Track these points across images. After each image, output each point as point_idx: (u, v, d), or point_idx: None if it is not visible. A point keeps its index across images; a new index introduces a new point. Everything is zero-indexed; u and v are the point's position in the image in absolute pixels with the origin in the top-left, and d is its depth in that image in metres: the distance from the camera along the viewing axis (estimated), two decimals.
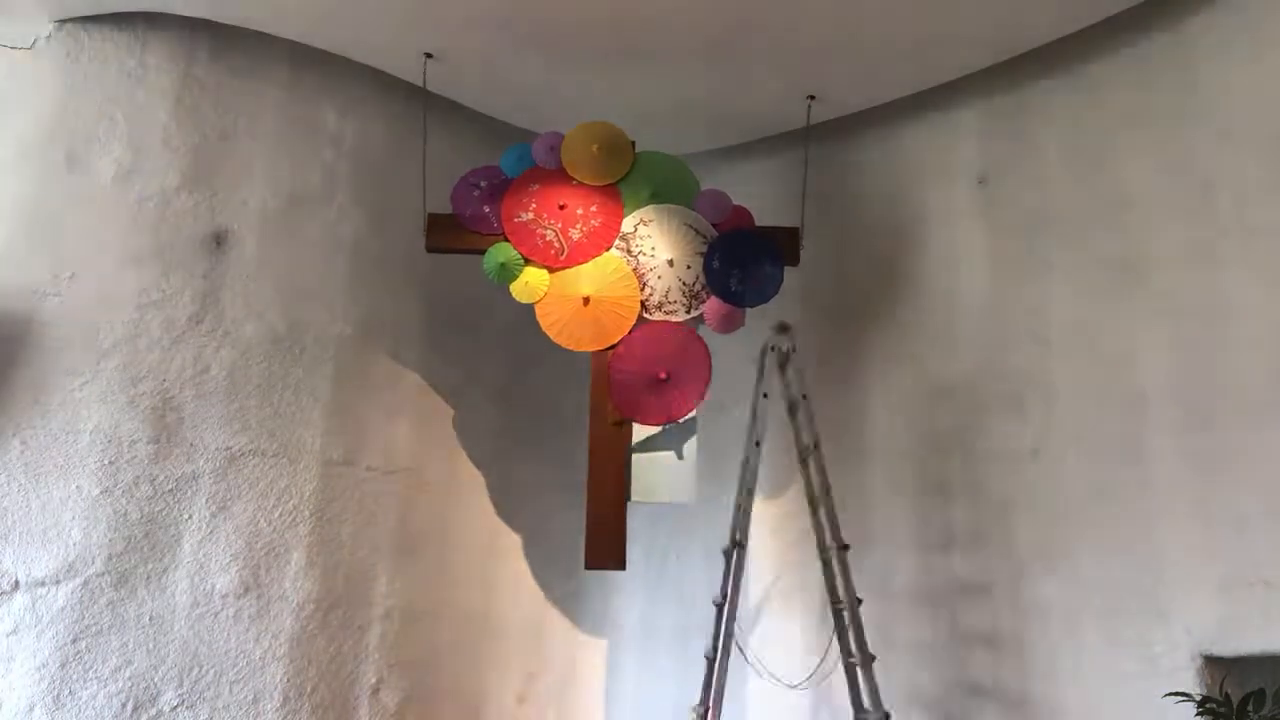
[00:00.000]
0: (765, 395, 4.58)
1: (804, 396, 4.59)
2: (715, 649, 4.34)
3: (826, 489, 4.48)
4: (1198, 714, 3.56)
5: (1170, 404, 4.22)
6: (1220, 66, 4.34)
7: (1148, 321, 4.37)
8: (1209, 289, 4.21)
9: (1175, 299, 4.30)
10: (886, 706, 4.17)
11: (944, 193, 5.19)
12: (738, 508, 4.52)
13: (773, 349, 4.67)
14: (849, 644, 4.32)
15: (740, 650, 4.34)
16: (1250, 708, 3.43)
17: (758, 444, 4.54)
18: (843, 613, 4.37)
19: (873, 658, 4.24)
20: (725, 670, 4.20)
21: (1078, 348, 4.56)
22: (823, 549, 4.49)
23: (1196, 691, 3.75)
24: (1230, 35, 4.33)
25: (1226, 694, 3.54)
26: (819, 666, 4.50)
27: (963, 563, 4.66)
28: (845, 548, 4.40)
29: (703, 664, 4.49)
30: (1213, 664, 3.93)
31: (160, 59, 4.92)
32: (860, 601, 4.31)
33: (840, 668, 4.37)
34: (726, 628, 4.29)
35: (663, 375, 4.66)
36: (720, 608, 4.40)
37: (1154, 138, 4.52)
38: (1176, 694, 3.67)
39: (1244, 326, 4.07)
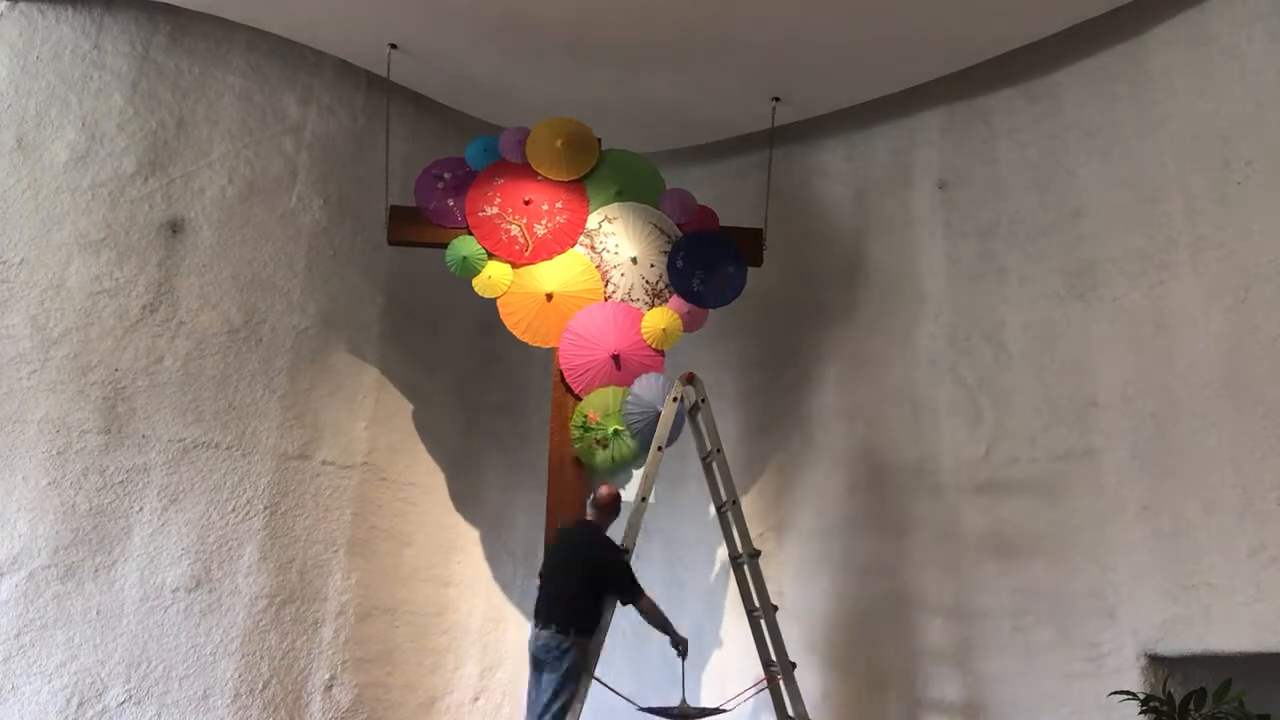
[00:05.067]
0: (661, 449, 4.37)
1: (718, 450, 4.44)
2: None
3: (734, 498, 4.41)
4: (1141, 713, 3.64)
5: (1121, 410, 4.31)
6: (1175, 79, 4.44)
7: (1100, 328, 4.46)
8: (1159, 298, 4.31)
9: (1126, 307, 4.40)
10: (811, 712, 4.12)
11: (904, 196, 5.25)
12: (631, 516, 4.34)
13: (677, 399, 4.42)
14: (768, 653, 4.28)
15: (597, 680, 4.06)
16: (1191, 706, 3.52)
17: (660, 449, 4.39)
18: (759, 621, 4.32)
19: (793, 665, 4.22)
20: (587, 688, 4.05)
21: (1031, 352, 4.65)
22: (734, 556, 4.45)
23: (1141, 691, 3.84)
24: (1186, 49, 4.43)
25: (1169, 693, 3.63)
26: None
27: (917, 561, 4.72)
28: (756, 554, 4.35)
29: (659, 662, 4.49)
30: (1157, 663, 4.02)
31: (117, 42, 4.82)
32: (776, 609, 4.27)
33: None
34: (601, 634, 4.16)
35: (613, 352, 4.64)
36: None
37: (1109, 148, 4.61)
38: (1122, 693, 3.76)
39: (1192, 335, 4.17)
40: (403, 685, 4.93)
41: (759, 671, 4.54)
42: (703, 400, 4.47)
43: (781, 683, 4.21)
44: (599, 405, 4.56)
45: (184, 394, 4.60)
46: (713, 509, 5.39)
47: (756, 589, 4.30)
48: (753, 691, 4.28)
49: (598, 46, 4.84)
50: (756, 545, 4.66)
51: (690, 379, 4.44)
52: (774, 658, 4.24)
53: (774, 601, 4.33)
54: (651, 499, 4.44)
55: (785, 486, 5.22)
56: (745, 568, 4.36)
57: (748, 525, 5.23)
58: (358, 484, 4.96)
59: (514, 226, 4.80)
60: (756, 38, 4.70)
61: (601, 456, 4.55)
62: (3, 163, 4.53)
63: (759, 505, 5.23)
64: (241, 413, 4.71)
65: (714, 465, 4.47)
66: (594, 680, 4.04)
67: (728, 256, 4.87)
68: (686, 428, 4.64)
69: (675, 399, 4.42)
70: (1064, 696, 4.18)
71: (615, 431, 4.51)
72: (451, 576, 5.24)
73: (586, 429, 4.54)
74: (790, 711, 4.18)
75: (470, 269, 4.75)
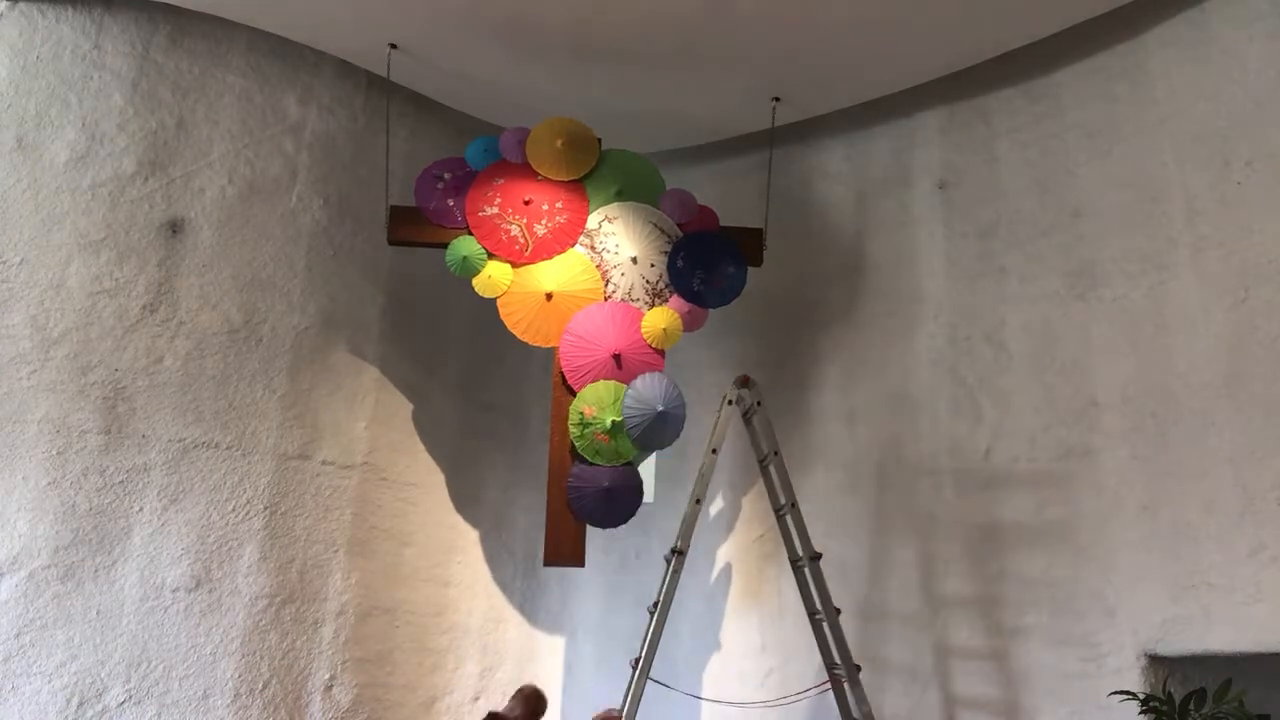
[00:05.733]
0: (715, 451, 4.44)
1: (775, 453, 4.48)
2: (641, 654, 4.28)
3: (793, 500, 4.45)
4: (1141, 713, 3.64)
5: (1121, 410, 4.31)
6: (1176, 79, 4.44)
7: (1100, 328, 4.46)
8: (1159, 298, 4.31)
9: (1126, 307, 4.40)
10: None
11: (904, 196, 5.25)
12: (685, 516, 4.47)
13: (731, 402, 4.50)
14: (831, 656, 4.31)
15: (655, 680, 4.18)
16: (1191, 706, 3.52)
17: (714, 451, 4.48)
18: (822, 624, 4.34)
19: (858, 668, 4.25)
20: (646, 677, 4.16)
21: (1031, 352, 4.65)
22: (794, 559, 4.48)
23: (1141, 690, 3.84)
24: (1186, 49, 4.43)
25: (1169, 693, 3.63)
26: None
27: (916, 561, 4.72)
28: (817, 557, 4.37)
29: (658, 662, 4.49)
30: (1156, 663, 4.02)
31: (117, 42, 4.82)
32: (839, 611, 4.29)
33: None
34: (654, 635, 4.22)
35: (614, 352, 4.64)
36: (652, 614, 4.35)
37: (1109, 148, 4.61)
38: (1122, 693, 3.76)
39: (1193, 335, 4.17)
40: (403, 685, 4.93)
41: (760, 672, 4.55)
42: (758, 403, 4.48)
43: (846, 685, 4.23)
44: (593, 400, 4.57)
45: (184, 394, 4.60)
46: (714, 509, 5.41)
47: (819, 592, 4.31)
48: (815, 692, 4.28)
49: (598, 46, 4.83)
50: (756, 545, 4.66)
51: (746, 382, 4.45)
52: (838, 660, 4.26)
53: (775, 600, 4.34)
54: (650, 499, 4.45)
55: None
56: (806, 570, 4.36)
57: (748, 525, 5.24)
58: (358, 484, 4.97)
59: (514, 226, 4.80)
60: (756, 38, 4.70)
61: (605, 451, 4.55)
62: (3, 163, 4.53)
63: (759, 505, 5.23)
64: (241, 413, 4.71)
65: (771, 468, 4.50)
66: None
67: (728, 257, 4.87)
68: (686, 428, 4.65)
69: (730, 401, 4.43)
70: (1064, 696, 4.18)
71: (614, 423, 4.51)
72: (451, 576, 5.24)
73: (585, 424, 4.54)
74: (855, 713, 4.21)
75: (470, 269, 4.75)
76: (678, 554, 4.28)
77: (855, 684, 4.20)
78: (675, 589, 4.30)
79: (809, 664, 4.84)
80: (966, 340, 4.86)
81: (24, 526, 4.20)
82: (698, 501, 4.38)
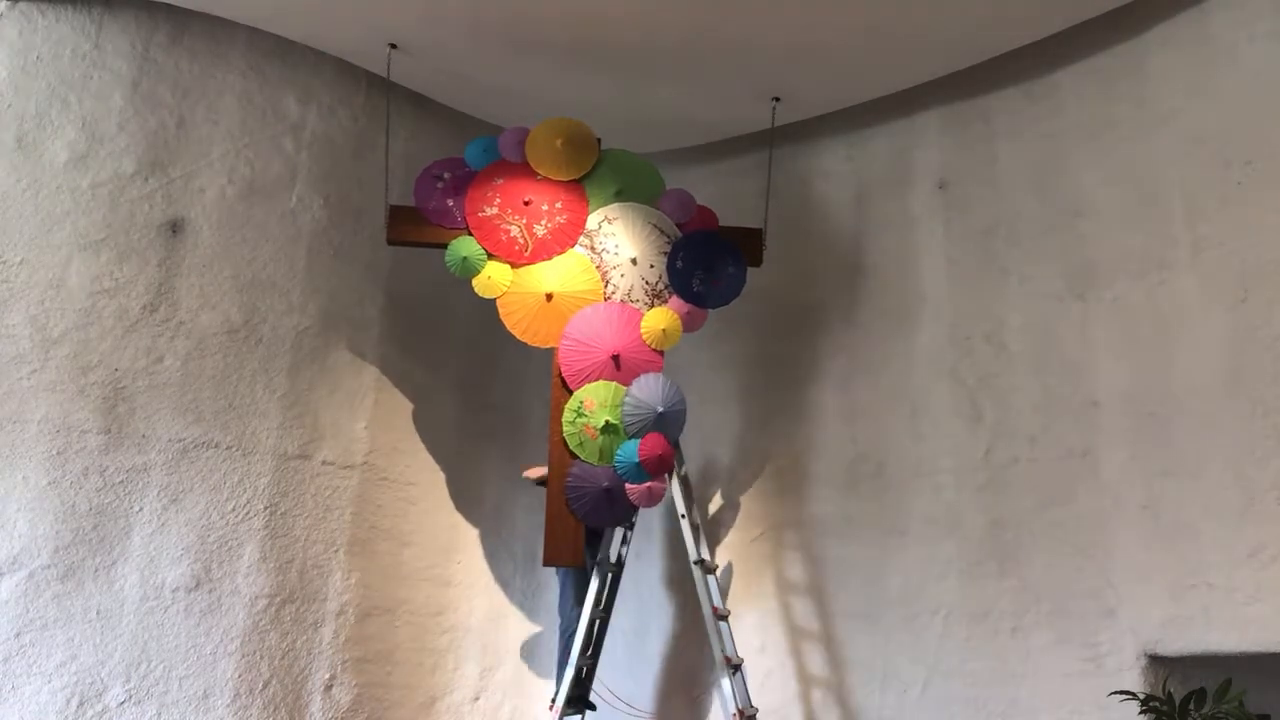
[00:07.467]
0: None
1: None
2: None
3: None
4: (1141, 712, 3.64)
5: (1121, 410, 4.31)
6: (1175, 80, 4.44)
7: (1099, 328, 4.46)
8: (1159, 298, 4.30)
9: (1127, 307, 4.40)
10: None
11: (905, 196, 5.25)
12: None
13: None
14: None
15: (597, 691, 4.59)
16: (1191, 706, 3.52)
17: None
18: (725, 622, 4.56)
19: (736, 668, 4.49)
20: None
21: (1031, 352, 4.64)
22: (700, 563, 4.69)
23: (1140, 690, 3.83)
24: (1186, 49, 4.42)
25: (1169, 693, 3.63)
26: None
27: (916, 561, 4.72)
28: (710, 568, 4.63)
29: (657, 662, 4.55)
30: (1156, 663, 4.02)
31: (117, 42, 4.82)
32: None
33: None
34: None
35: (613, 353, 4.64)
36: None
37: (1109, 148, 4.61)
38: (1121, 693, 3.76)
39: (1193, 335, 4.16)
40: (403, 685, 4.94)
41: (760, 673, 4.54)
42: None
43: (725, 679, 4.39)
44: (594, 395, 4.58)
45: (184, 394, 4.60)
46: (712, 507, 5.41)
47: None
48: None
49: (598, 47, 4.83)
50: (756, 545, 4.72)
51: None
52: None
53: (774, 600, 4.42)
54: None
55: (784, 486, 5.22)
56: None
57: (748, 525, 5.27)
58: (358, 484, 4.97)
59: (514, 227, 4.80)
60: (757, 38, 4.70)
61: (590, 446, 4.55)
62: (3, 163, 4.53)
63: (758, 505, 5.23)
64: (241, 413, 4.71)
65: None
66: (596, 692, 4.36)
67: (728, 257, 4.87)
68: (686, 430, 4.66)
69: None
70: (1064, 696, 4.17)
71: (607, 424, 4.51)
72: (451, 576, 5.24)
73: (580, 414, 4.54)
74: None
75: (470, 269, 4.75)
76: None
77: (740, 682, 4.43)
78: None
79: (809, 664, 4.85)
80: (966, 340, 4.85)
81: (24, 526, 4.21)
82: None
